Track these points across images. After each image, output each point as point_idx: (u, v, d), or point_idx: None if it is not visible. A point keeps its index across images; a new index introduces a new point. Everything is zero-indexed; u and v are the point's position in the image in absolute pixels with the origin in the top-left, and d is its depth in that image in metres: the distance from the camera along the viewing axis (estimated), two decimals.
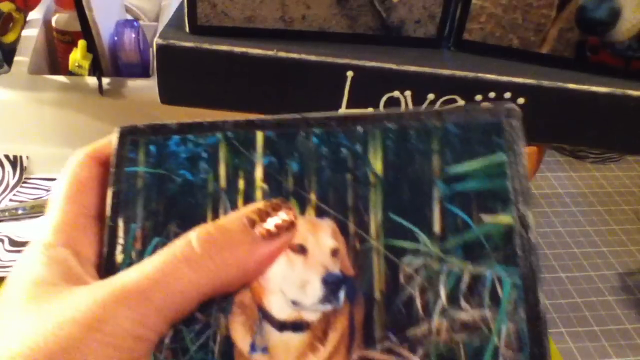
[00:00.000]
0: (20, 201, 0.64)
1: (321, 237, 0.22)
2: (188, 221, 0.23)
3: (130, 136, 0.24)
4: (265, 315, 0.22)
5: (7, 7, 0.69)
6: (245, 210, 0.22)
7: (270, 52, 0.45)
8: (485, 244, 0.21)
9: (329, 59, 0.45)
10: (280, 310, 0.22)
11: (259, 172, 0.23)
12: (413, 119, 0.22)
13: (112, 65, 0.70)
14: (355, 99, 0.46)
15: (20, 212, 0.63)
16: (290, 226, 0.22)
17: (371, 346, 0.21)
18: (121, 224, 0.23)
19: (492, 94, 0.46)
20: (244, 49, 0.45)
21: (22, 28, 0.73)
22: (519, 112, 0.22)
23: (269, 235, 0.21)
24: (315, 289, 0.21)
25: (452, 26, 0.48)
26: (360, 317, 0.21)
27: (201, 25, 0.46)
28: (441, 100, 0.46)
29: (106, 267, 0.23)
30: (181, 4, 0.47)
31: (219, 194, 0.23)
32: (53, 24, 0.72)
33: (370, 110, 0.25)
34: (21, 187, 0.66)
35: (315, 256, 0.22)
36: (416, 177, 0.22)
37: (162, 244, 0.22)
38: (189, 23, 0.46)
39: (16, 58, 0.69)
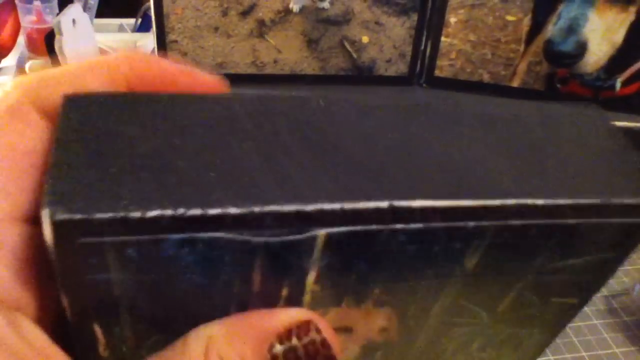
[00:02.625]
0: None
1: (372, 319, 0.17)
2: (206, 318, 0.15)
3: (78, 233, 0.12)
4: None
5: None
6: (264, 338, 0.15)
7: None
8: (538, 314, 0.19)
9: None
10: None
11: (311, 277, 0.15)
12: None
13: None
14: None
15: None
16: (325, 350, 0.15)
17: None
18: (98, 329, 0.15)
19: None
20: None
21: None
22: None
23: None
24: (353, 354, 0.19)
25: (423, 63, 0.48)
26: None
27: None
28: None
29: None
30: (152, 52, 0.47)
31: (249, 297, 0.15)
32: (27, 70, 0.71)
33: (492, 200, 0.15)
34: None
35: (360, 333, 0.18)
36: (509, 270, 0.17)
37: (164, 341, 0.15)
38: None
39: None
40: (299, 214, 0.13)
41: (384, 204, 0.14)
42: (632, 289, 0.73)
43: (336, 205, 0.13)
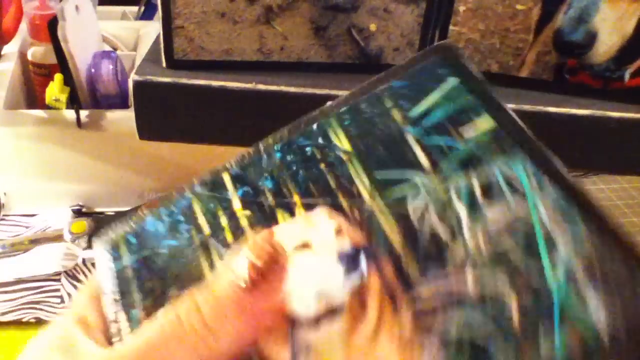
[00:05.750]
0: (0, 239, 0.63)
1: (320, 225, 0.22)
2: (186, 279, 0.23)
3: (105, 240, 0.25)
4: (294, 322, 0.20)
5: None
6: (236, 271, 0.20)
7: (249, 85, 0.44)
8: (479, 153, 0.21)
9: (309, 90, 0.45)
10: (309, 309, 0.20)
11: (236, 204, 0.23)
12: (358, 95, 0.24)
13: (90, 97, 0.69)
14: None
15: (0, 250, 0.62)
16: (280, 270, 0.20)
17: (412, 288, 0.20)
18: (122, 316, 0.23)
19: None
20: (222, 83, 0.44)
21: None
22: (450, 42, 0.24)
23: (267, 291, 0.20)
24: (335, 272, 0.20)
25: None
26: (391, 272, 0.20)
27: (178, 59, 0.45)
28: None
29: None
30: (157, 38, 0.47)
31: (207, 241, 0.23)
32: (29, 57, 0.71)
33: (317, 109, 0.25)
34: (0, 224, 0.65)
35: (321, 245, 0.21)
36: (385, 135, 0.23)
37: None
38: (165, 58, 0.45)
39: None
40: (211, 171, 0.24)
41: (253, 146, 0.24)
42: None
43: (231, 160, 0.24)
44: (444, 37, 0.46)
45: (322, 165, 0.23)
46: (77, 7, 0.65)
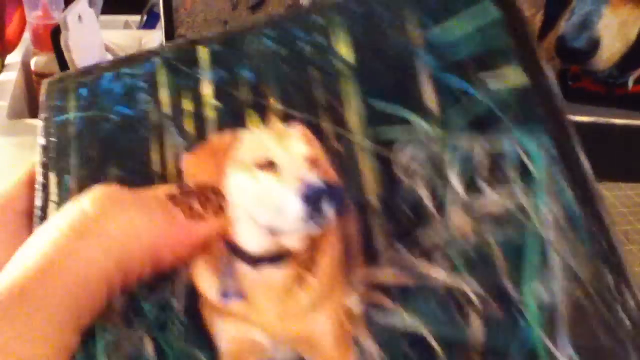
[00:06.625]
0: None
1: (291, 146, 0.18)
2: (129, 159, 0.19)
3: (58, 84, 0.21)
4: (235, 250, 0.17)
5: None
6: (164, 187, 0.18)
7: None
8: (497, 111, 0.16)
9: None
10: (254, 241, 0.17)
11: (207, 89, 0.20)
12: None
13: None
14: None
15: None
16: (218, 210, 0.17)
17: (375, 262, 0.16)
18: (53, 179, 0.20)
19: None
20: None
21: (0, 72, 0.72)
22: None
23: (191, 213, 0.17)
24: (294, 208, 0.17)
25: None
26: (355, 230, 0.17)
27: None
28: None
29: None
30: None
31: (163, 122, 0.20)
32: (32, 66, 0.71)
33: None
34: None
35: (287, 169, 0.17)
36: (394, 54, 0.18)
37: None
38: None
39: None
40: (188, 40, 0.21)
41: (244, 24, 0.20)
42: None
43: (214, 32, 0.21)
44: None
45: (313, 71, 0.19)
46: (79, 17, 0.65)
